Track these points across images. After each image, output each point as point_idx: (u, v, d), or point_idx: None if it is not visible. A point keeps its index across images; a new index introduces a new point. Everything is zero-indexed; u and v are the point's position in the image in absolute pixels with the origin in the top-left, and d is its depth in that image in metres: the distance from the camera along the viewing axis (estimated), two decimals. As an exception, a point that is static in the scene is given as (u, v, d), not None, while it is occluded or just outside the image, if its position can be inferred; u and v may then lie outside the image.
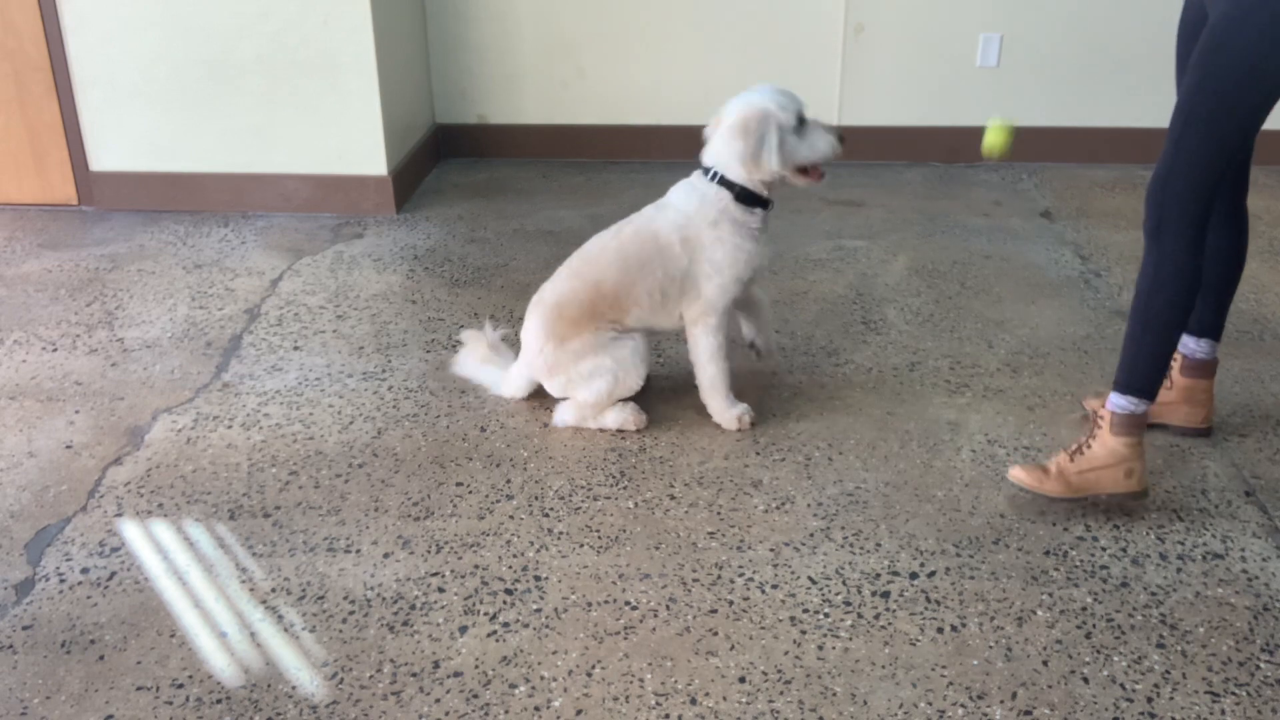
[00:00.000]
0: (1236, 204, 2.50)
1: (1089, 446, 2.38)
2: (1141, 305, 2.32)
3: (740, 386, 2.94)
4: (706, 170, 2.67)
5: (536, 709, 1.94)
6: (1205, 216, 2.25)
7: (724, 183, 2.64)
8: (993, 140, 2.44)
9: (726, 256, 2.65)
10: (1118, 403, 2.37)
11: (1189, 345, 2.62)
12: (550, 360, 2.74)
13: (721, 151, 2.63)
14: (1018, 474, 2.40)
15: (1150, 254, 2.30)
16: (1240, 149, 2.22)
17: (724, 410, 2.76)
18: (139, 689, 1.99)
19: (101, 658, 2.06)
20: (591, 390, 2.72)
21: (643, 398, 2.89)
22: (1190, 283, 2.28)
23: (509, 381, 2.89)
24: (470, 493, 2.53)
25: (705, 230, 2.64)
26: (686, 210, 2.67)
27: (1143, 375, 2.35)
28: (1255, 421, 2.76)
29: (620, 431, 2.76)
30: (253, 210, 4.26)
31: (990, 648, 2.06)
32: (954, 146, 4.62)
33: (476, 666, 2.03)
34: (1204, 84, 2.16)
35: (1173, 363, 2.63)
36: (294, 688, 1.99)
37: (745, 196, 2.64)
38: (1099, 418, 2.39)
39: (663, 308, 2.71)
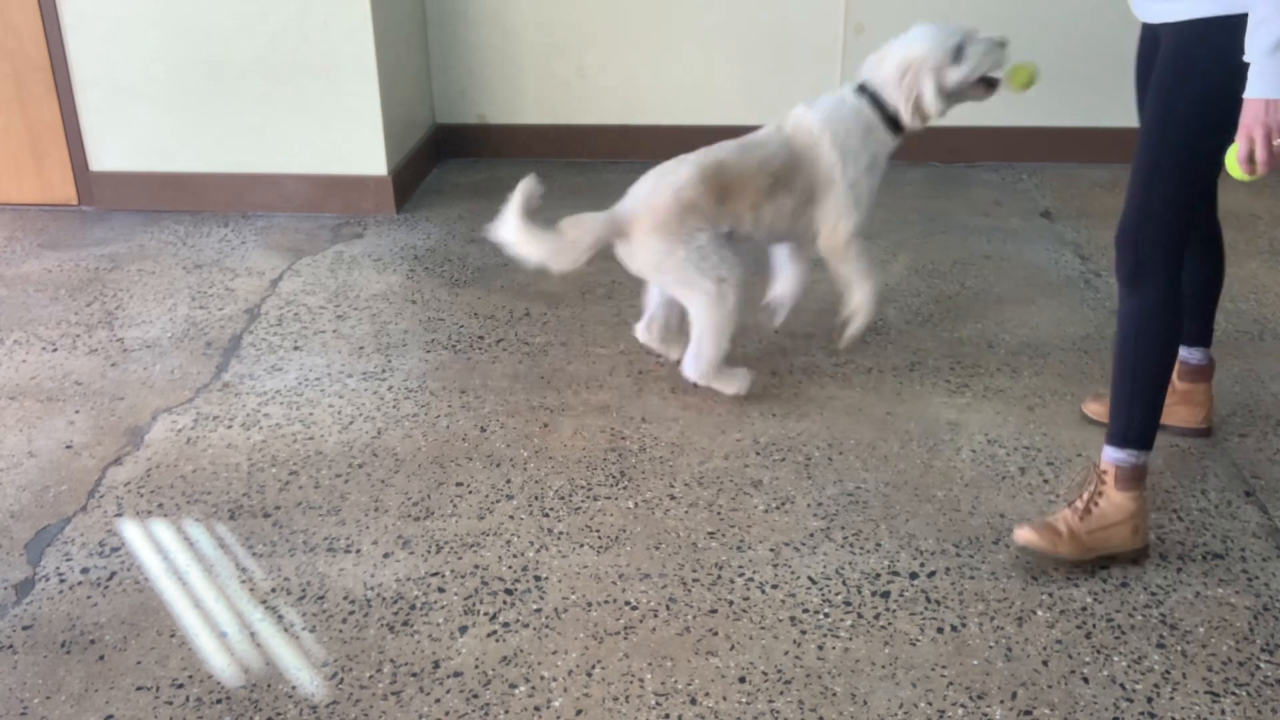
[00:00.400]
0: (1209, 218, 2.45)
1: (1096, 504, 2.23)
2: (1128, 356, 2.20)
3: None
4: (861, 89, 2.84)
5: (536, 709, 1.94)
6: (1182, 254, 2.16)
7: (876, 103, 2.82)
8: (1020, 78, 2.65)
9: (864, 172, 2.82)
10: (1117, 457, 2.23)
11: (1182, 354, 2.58)
12: (685, 209, 2.70)
13: (886, 79, 2.80)
14: (1027, 536, 2.23)
15: (1128, 302, 2.19)
16: (1212, 183, 2.13)
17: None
18: (139, 689, 1.99)
19: (101, 658, 2.06)
20: (707, 278, 2.71)
21: (643, 397, 2.90)
22: (1174, 326, 2.19)
23: (570, 234, 2.75)
24: (470, 493, 2.53)
25: (850, 142, 2.80)
26: (835, 123, 2.81)
27: (1138, 427, 2.22)
28: (1255, 421, 2.76)
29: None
30: (253, 210, 4.26)
31: (990, 648, 2.06)
32: (954, 146, 4.62)
33: (476, 666, 2.03)
34: (1166, 125, 2.07)
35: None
36: (294, 688, 1.99)
37: (891, 122, 2.83)
38: (1102, 473, 2.25)
39: (803, 210, 2.83)
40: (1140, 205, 2.14)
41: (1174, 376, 2.59)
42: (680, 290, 2.78)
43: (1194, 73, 2.02)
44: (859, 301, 2.93)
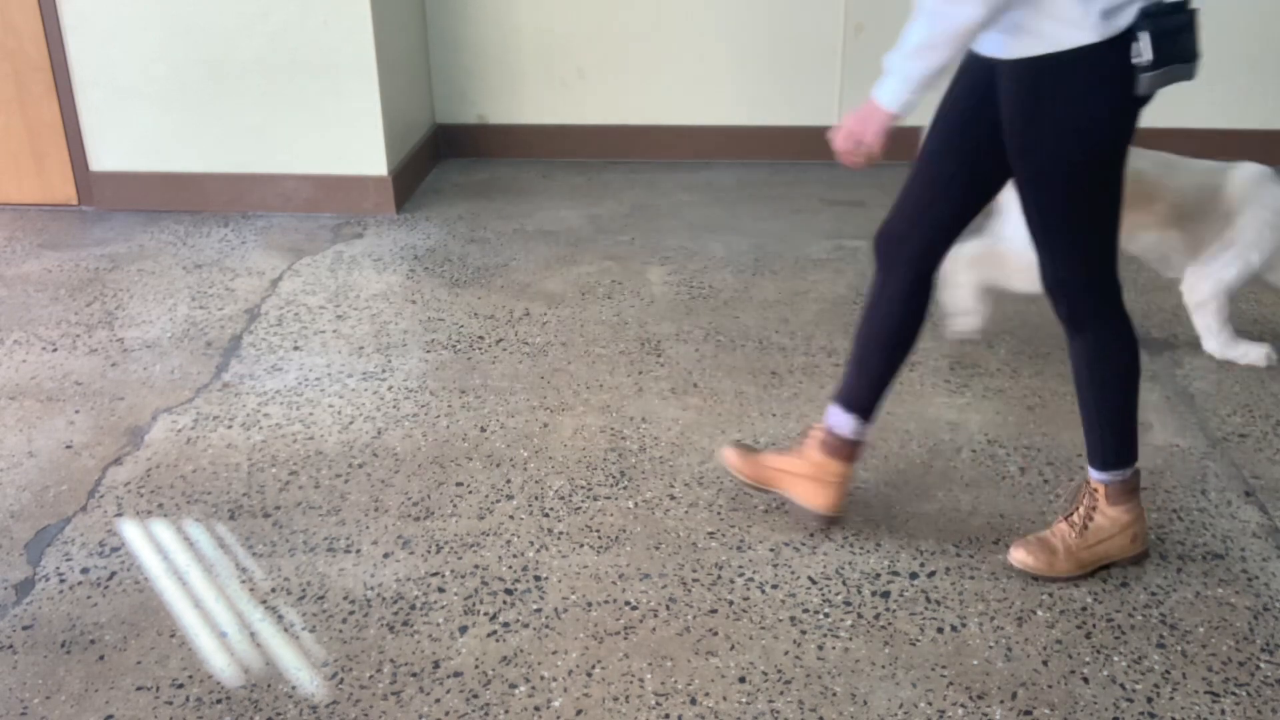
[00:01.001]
0: (932, 266, 2.19)
1: (1092, 519, 2.19)
2: (1087, 391, 2.13)
3: (738, 386, 2.94)
4: None
5: (536, 709, 1.94)
6: (1119, 286, 2.05)
7: None
8: None
9: (1267, 245, 2.85)
10: (1104, 477, 2.19)
11: (835, 416, 2.30)
12: None
13: None
14: (1022, 557, 2.20)
15: (1074, 340, 2.11)
16: (1119, 216, 1.99)
17: None
18: (139, 689, 1.99)
19: (101, 658, 2.06)
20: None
21: (643, 397, 2.90)
22: (1129, 355, 2.09)
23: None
24: (470, 493, 2.53)
25: (1271, 218, 2.83)
26: (1268, 197, 2.81)
27: (1115, 451, 2.16)
28: (1255, 421, 2.76)
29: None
30: (253, 210, 4.26)
31: (990, 648, 2.06)
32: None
33: (476, 666, 2.03)
34: (1043, 180, 1.95)
35: (811, 431, 2.35)
36: (294, 688, 1.99)
37: None
38: (1094, 490, 2.20)
39: (1188, 251, 2.87)
40: (1049, 264, 2.04)
41: (814, 442, 2.33)
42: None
43: (1049, 116, 1.90)
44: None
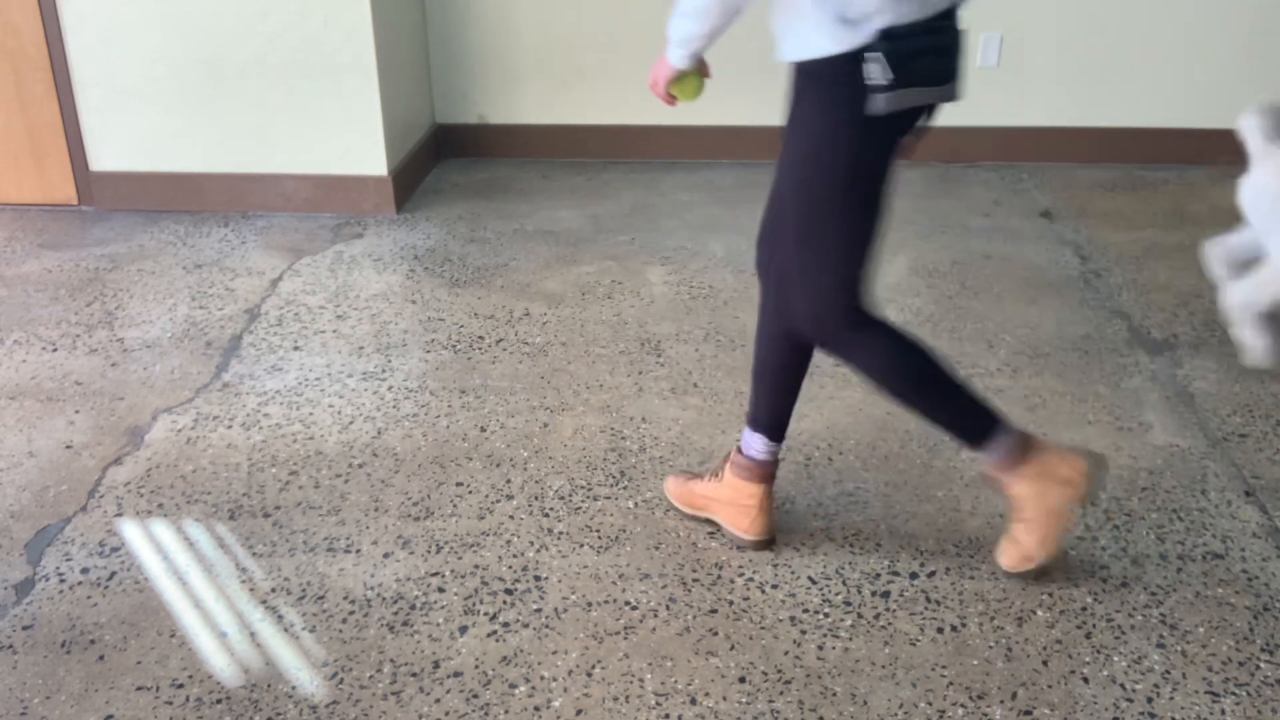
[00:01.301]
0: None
1: (1017, 502, 2.14)
2: (908, 401, 2.08)
3: (738, 386, 2.94)
4: None
5: (536, 709, 1.94)
6: (865, 302, 2.00)
7: None
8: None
9: None
10: (988, 458, 2.12)
11: (745, 437, 2.29)
12: None
13: None
14: (1008, 562, 2.20)
15: (856, 369, 2.06)
16: (868, 242, 1.94)
17: None
18: (139, 689, 1.99)
19: (101, 658, 2.07)
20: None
21: (643, 397, 2.90)
22: (911, 353, 2.02)
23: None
24: (470, 493, 2.53)
25: None
26: None
27: (970, 429, 2.09)
28: (1255, 421, 2.76)
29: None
30: (253, 210, 4.26)
31: (990, 648, 2.06)
32: (954, 146, 4.62)
33: (476, 666, 2.03)
34: (790, 206, 1.92)
35: (731, 453, 2.34)
36: (294, 688, 1.99)
37: None
38: (994, 479, 2.14)
39: None
40: (800, 289, 2.00)
41: (728, 467, 2.32)
42: (1268, 237, 2.91)
43: (799, 124, 1.87)
44: None
